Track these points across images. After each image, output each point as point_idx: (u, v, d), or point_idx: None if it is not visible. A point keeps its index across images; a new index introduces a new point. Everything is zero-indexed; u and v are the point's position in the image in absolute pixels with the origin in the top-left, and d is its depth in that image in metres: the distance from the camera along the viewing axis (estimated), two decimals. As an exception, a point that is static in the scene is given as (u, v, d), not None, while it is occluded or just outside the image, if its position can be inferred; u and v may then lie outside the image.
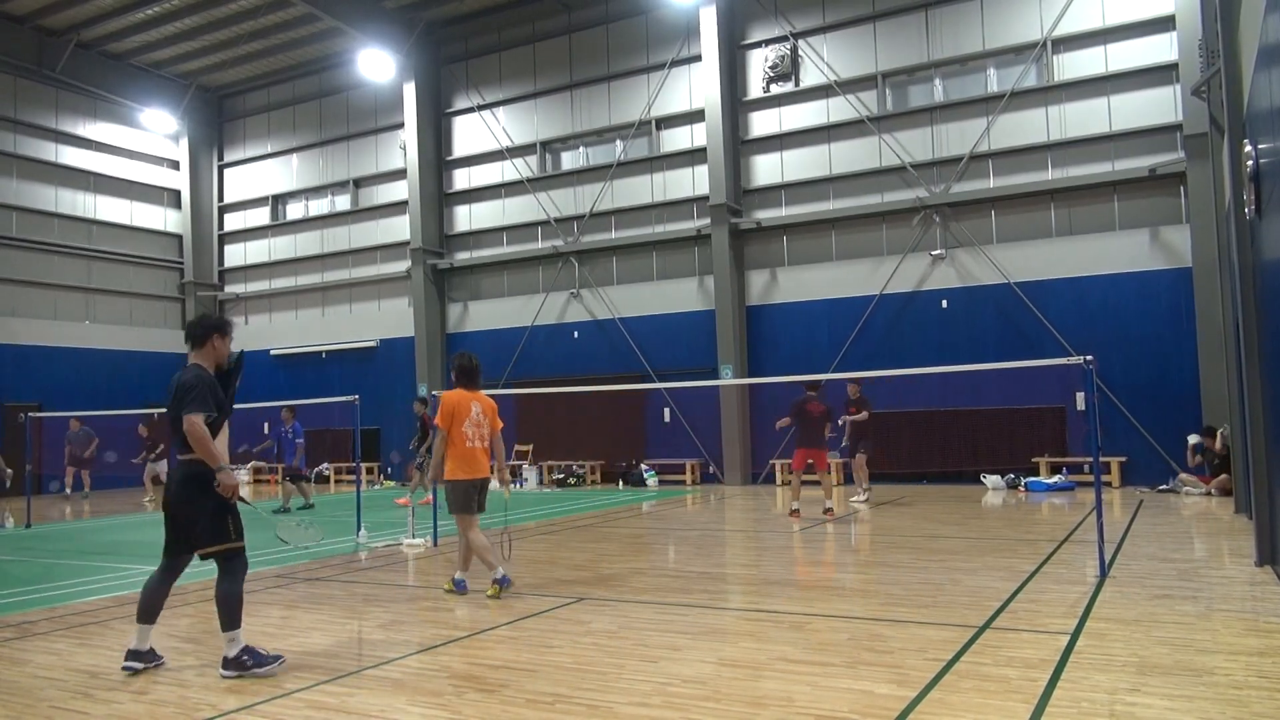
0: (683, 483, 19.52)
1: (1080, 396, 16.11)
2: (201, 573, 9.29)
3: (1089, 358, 8.13)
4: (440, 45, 23.45)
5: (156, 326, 26.04)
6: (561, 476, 20.44)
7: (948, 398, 17.29)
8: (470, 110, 23.18)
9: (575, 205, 21.73)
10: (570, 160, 22.46)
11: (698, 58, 20.01)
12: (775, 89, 19.66)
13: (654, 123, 20.94)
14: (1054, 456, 16.48)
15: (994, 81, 18.02)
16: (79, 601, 7.93)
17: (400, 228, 23.93)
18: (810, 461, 12.57)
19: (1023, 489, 15.68)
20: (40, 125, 23.72)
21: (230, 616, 5.34)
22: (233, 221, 27.32)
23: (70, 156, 24.39)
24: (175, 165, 26.87)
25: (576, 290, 21.48)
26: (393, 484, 21.94)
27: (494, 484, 7.96)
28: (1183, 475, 14.67)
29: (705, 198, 19.82)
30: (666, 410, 20.16)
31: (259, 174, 26.78)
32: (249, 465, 24.05)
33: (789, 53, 19.41)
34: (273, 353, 25.55)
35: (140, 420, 19.94)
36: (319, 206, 25.95)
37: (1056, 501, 13.99)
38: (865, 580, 8.23)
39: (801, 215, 19.18)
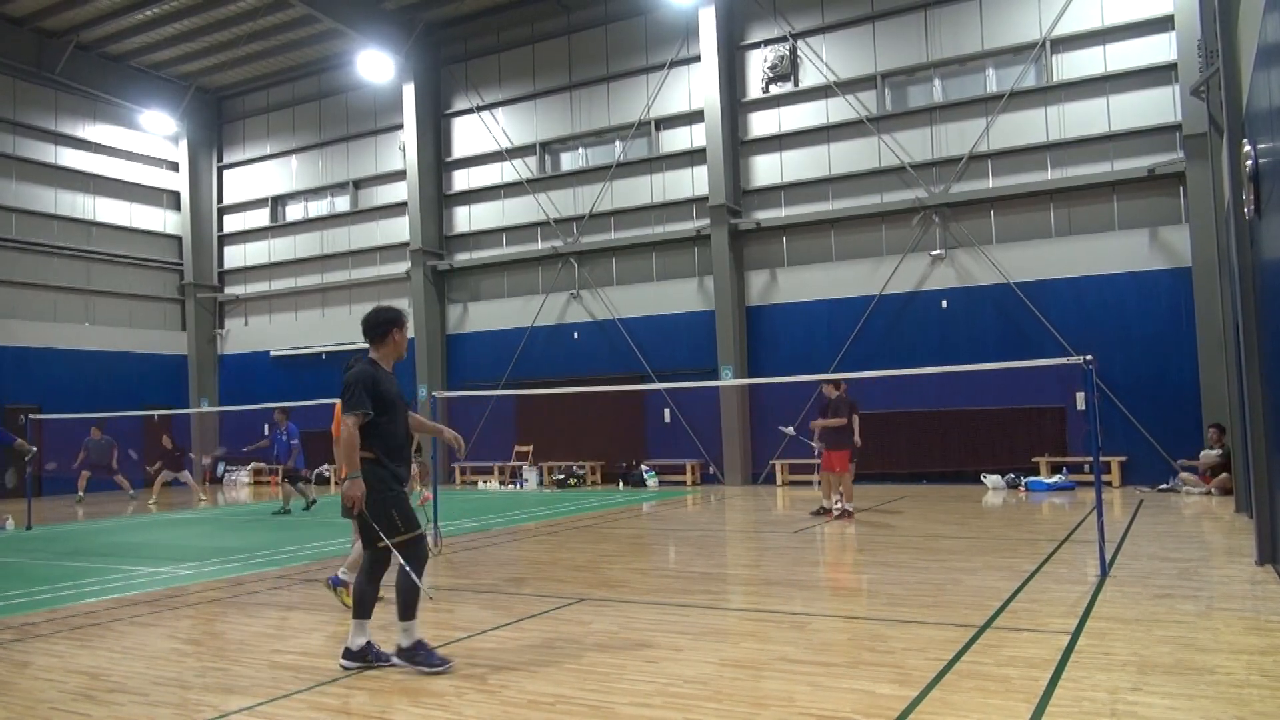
0: (683, 483, 19.52)
1: (1080, 396, 16.12)
2: (201, 574, 9.31)
3: (1089, 358, 8.13)
4: (439, 46, 23.46)
5: (156, 328, 26.05)
6: (562, 477, 20.43)
7: (948, 398, 17.30)
8: (470, 111, 23.18)
9: (575, 206, 21.74)
10: (570, 161, 22.47)
11: (697, 58, 20.02)
12: (774, 89, 19.67)
13: (653, 123, 20.94)
14: (1054, 456, 16.48)
15: (993, 82, 18.03)
16: (80, 603, 7.92)
17: (400, 229, 23.93)
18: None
19: (1023, 489, 15.69)
20: (40, 127, 23.72)
21: (405, 607, 5.32)
22: (232, 223, 27.32)
23: (70, 158, 24.40)
24: (175, 167, 26.87)
25: (576, 291, 21.49)
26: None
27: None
28: (1183, 475, 14.67)
29: (705, 198, 19.83)
30: (666, 411, 20.16)
31: (258, 175, 26.79)
32: (249, 467, 24.09)
33: (788, 53, 19.42)
34: (273, 354, 25.57)
35: (163, 431, 19.95)
36: (318, 208, 25.96)
37: (1057, 501, 13.99)
38: (866, 580, 8.23)
39: (801, 216, 19.19)
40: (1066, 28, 17.10)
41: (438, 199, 23.46)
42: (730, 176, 19.51)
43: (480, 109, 22.99)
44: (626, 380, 19.42)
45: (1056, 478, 15.79)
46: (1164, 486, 15.01)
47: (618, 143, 21.52)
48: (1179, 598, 6.66)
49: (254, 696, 4.92)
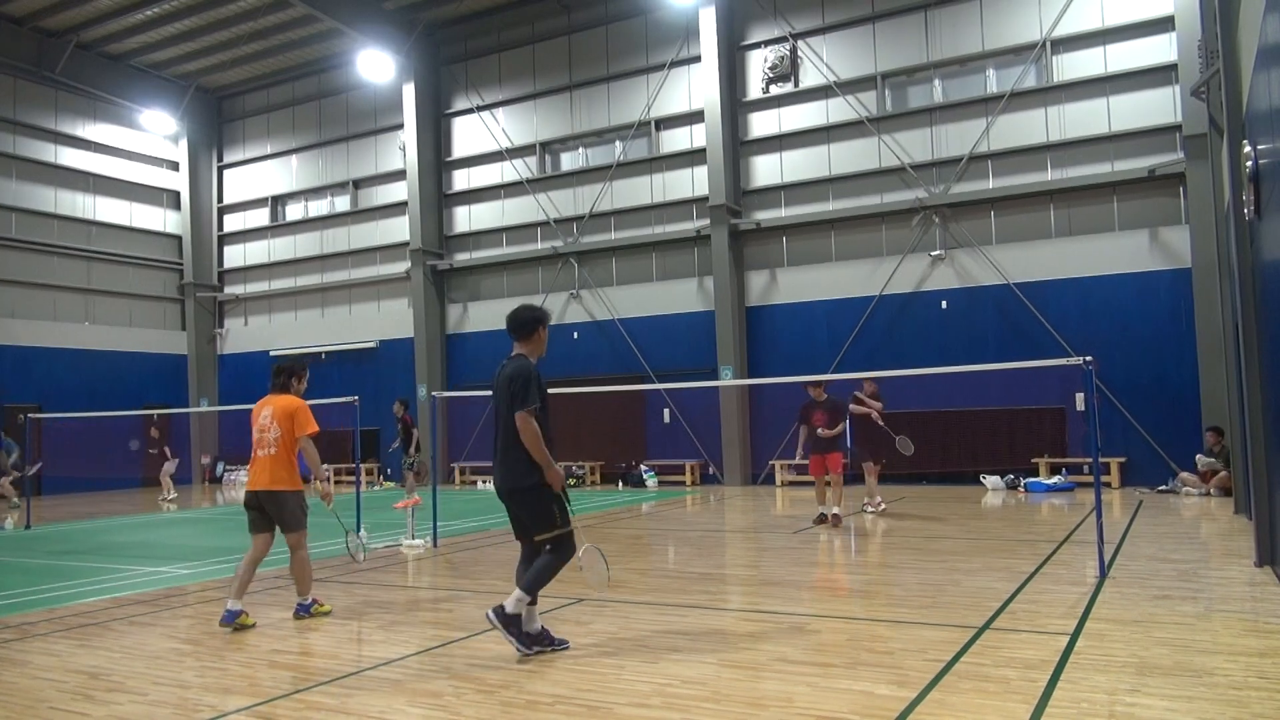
0: (682, 484, 19.52)
1: (1080, 397, 16.11)
2: (200, 573, 9.31)
3: (1089, 358, 8.13)
4: (440, 46, 23.46)
5: (156, 328, 26.05)
6: (561, 477, 20.41)
7: (948, 398, 17.28)
8: (470, 111, 23.18)
9: (575, 206, 21.73)
10: (570, 161, 22.46)
11: (697, 58, 20.01)
12: (775, 90, 19.67)
13: (653, 123, 20.94)
14: (1054, 457, 16.48)
15: (993, 82, 18.03)
16: (79, 602, 7.92)
17: (400, 229, 23.93)
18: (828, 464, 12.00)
19: (1022, 489, 15.69)
20: (40, 126, 23.73)
21: (535, 583, 5.50)
22: (232, 222, 27.33)
23: (70, 158, 24.40)
24: (175, 166, 26.87)
25: (576, 291, 21.48)
26: (392, 485, 21.93)
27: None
28: (1182, 475, 14.66)
29: (705, 198, 19.83)
30: (666, 411, 20.16)
31: (258, 175, 26.79)
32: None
33: (788, 53, 19.42)
34: (272, 353, 25.53)
35: (151, 423, 19.86)
36: (318, 207, 25.96)
37: (1056, 502, 13.98)
38: (865, 581, 8.23)
39: (801, 216, 19.18)
40: (1067, 28, 17.10)
41: (438, 199, 23.46)
42: (730, 176, 19.51)
43: (480, 109, 22.99)
44: (626, 380, 19.43)
45: (1056, 479, 15.79)
46: (1163, 488, 15.01)
47: (618, 143, 21.52)
48: (1178, 599, 6.66)
49: (253, 696, 4.92)
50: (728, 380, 18.74)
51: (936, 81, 18.55)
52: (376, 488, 21.60)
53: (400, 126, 23.61)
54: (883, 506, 13.08)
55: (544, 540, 5.59)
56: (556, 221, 21.86)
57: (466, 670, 5.32)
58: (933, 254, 17.93)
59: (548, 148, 22.53)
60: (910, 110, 18.52)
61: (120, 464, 20.68)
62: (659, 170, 20.91)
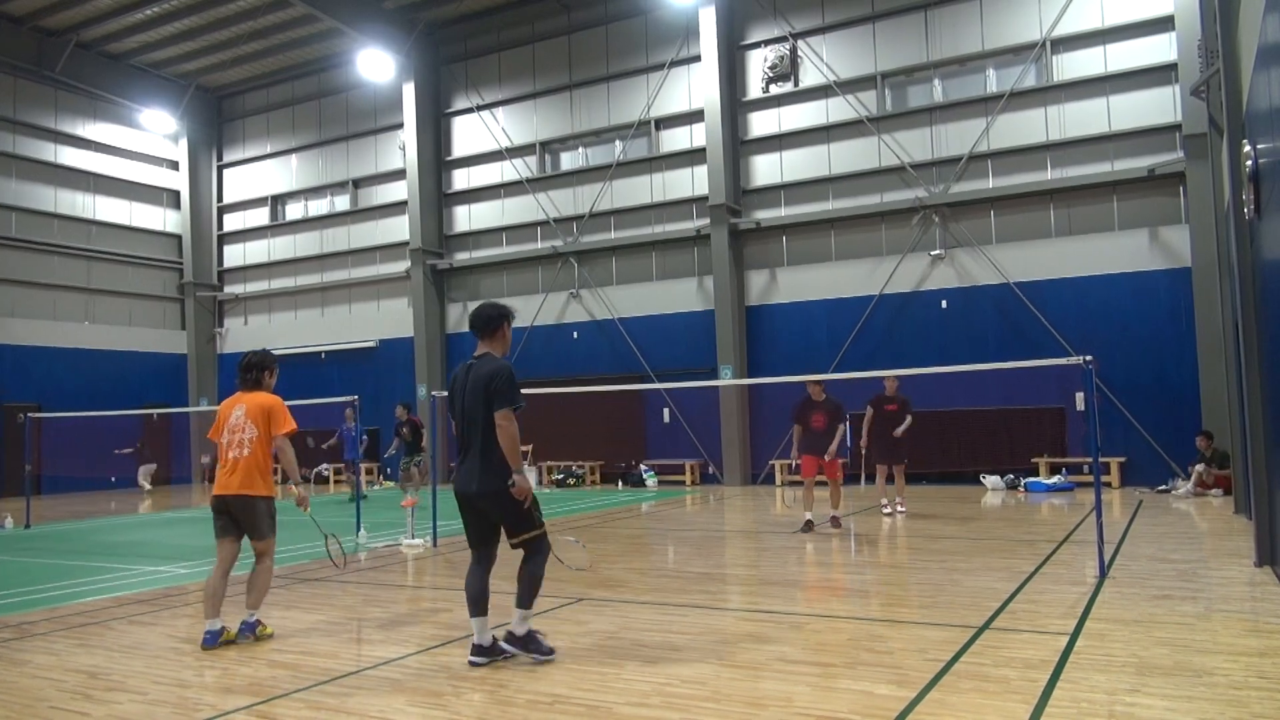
0: (682, 483, 19.52)
1: (1080, 397, 16.11)
2: (200, 573, 9.30)
3: (1088, 358, 8.13)
4: (439, 45, 23.45)
5: (156, 327, 26.04)
6: (561, 477, 20.43)
7: (947, 398, 17.25)
8: (470, 110, 23.17)
9: (575, 205, 21.73)
10: (570, 160, 22.46)
11: (697, 58, 20.01)
12: (774, 89, 19.66)
13: (653, 123, 20.94)
14: (1053, 457, 16.48)
15: (993, 82, 18.03)
16: (79, 602, 7.92)
17: (399, 228, 23.93)
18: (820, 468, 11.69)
19: (1022, 489, 15.69)
20: (39, 125, 23.72)
21: (528, 595, 5.45)
22: (232, 222, 27.32)
23: (69, 157, 24.39)
24: (174, 165, 26.86)
25: (576, 290, 21.48)
26: (391, 484, 21.91)
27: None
28: (1177, 484, 14.67)
29: (705, 198, 19.82)
30: (666, 411, 20.16)
31: (258, 174, 26.78)
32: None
33: (788, 53, 19.41)
34: (272, 353, 25.52)
35: (138, 424, 19.89)
36: (318, 207, 25.95)
37: (1056, 502, 13.99)
38: (865, 581, 8.23)
39: (801, 215, 19.18)
40: (1066, 28, 17.10)
41: (437, 198, 23.45)
42: (730, 176, 19.50)
43: (480, 108, 22.98)
44: (626, 380, 19.42)
45: (1055, 478, 15.79)
46: (1163, 488, 15.01)
47: (618, 142, 21.52)
48: (1178, 599, 6.66)
49: (253, 696, 4.92)
50: (727, 380, 18.73)
51: (936, 81, 18.55)
52: (376, 487, 21.59)
53: (400, 126, 23.60)
54: (903, 510, 12.75)
55: (521, 542, 5.47)
56: (556, 221, 21.86)
57: (466, 670, 5.32)
58: (932, 253, 17.93)
59: (547, 147, 22.52)
60: (910, 110, 18.52)
61: (120, 464, 20.66)
62: (659, 170, 20.91)
